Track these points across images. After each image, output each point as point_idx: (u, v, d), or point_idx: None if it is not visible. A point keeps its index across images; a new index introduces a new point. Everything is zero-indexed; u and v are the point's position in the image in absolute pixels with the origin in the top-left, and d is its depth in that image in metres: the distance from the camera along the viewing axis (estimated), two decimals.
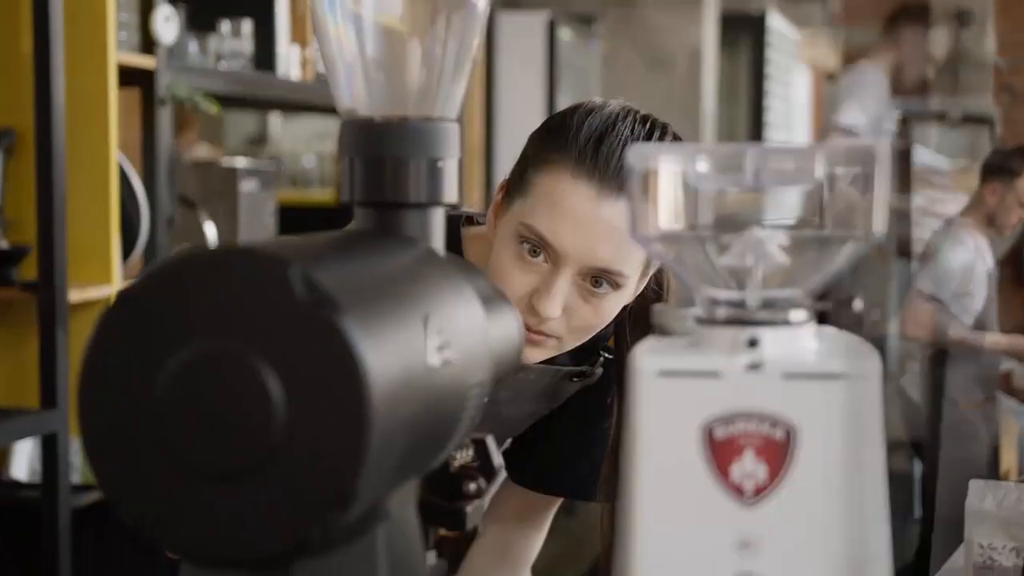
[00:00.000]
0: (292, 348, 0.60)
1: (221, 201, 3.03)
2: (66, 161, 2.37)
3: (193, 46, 2.90)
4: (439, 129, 0.80)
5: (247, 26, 3.02)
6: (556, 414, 1.49)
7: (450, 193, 0.81)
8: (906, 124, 4.56)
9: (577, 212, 1.23)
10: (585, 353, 1.44)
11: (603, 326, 1.31)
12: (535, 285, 1.27)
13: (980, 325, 4.40)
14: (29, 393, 2.43)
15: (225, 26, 3.00)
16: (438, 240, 0.81)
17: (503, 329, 0.84)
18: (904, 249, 4.93)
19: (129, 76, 2.61)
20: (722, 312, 0.71)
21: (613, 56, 5.43)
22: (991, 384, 4.46)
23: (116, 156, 2.48)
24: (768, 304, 0.71)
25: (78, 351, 2.43)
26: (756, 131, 7.50)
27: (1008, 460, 5.59)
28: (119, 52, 2.53)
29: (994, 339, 4.40)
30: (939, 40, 4.72)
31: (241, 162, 3.14)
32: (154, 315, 0.62)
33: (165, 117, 2.64)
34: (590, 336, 1.32)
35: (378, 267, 0.70)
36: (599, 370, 1.44)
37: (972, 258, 4.36)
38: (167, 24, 2.63)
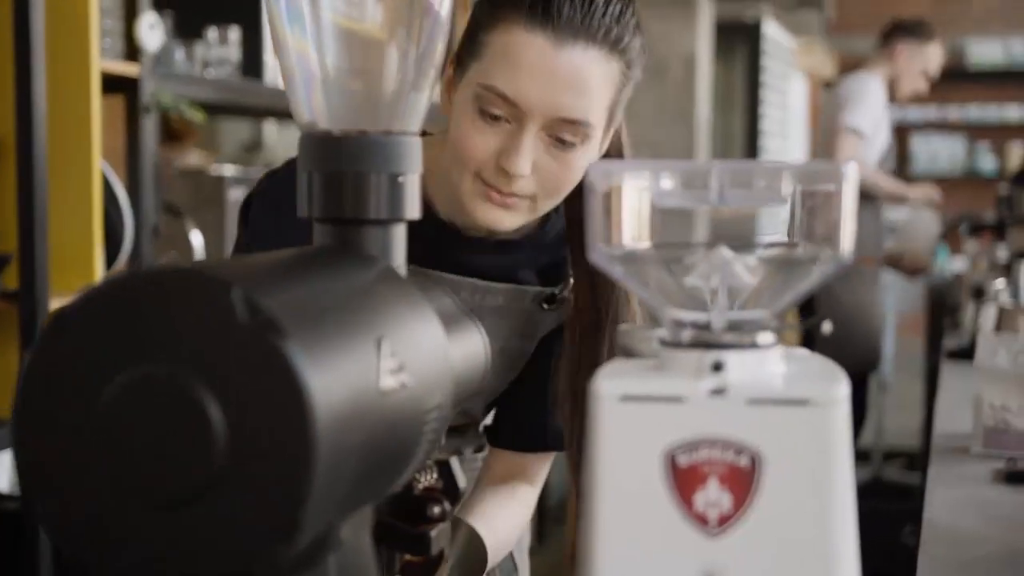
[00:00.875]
0: (234, 373, 0.58)
1: (209, 209, 3.00)
2: (48, 169, 2.35)
3: (180, 53, 2.87)
4: (400, 143, 0.78)
5: (234, 33, 3.00)
6: (526, 371, 1.45)
7: (412, 209, 0.79)
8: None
9: (535, 63, 1.22)
10: (554, 275, 1.42)
11: (574, 184, 1.28)
12: (500, 147, 1.25)
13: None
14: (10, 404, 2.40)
15: (212, 33, 2.98)
16: (399, 257, 0.79)
17: (466, 348, 0.82)
18: (892, 261, 4.92)
19: (113, 83, 2.59)
20: (687, 334, 0.68)
21: None
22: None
23: (99, 164, 2.46)
24: (735, 326, 0.68)
25: None
26: (752, 139, 7.48)
27: None
28: (103, 59, 2.51)
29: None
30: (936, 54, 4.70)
31: (230, 170, 3.11)
32: (93, 337, 0.60)
33: (149, 125, 2.62)
34: (561, 197, 1.29)
35: (330, 287, 0.67)
36: (568, 294, 1.41)
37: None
38: (152, 32, 2.60)
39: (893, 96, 4.61)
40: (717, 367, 0.66)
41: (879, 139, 4.51)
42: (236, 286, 0.58)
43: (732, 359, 0.66)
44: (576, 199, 1.32)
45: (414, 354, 0.69)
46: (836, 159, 4.41)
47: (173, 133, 3.84)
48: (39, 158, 2.32)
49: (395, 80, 0.79)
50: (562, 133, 1.24)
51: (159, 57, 2.71)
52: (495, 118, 1.24)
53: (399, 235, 0.79)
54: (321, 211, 0.77)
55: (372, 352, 0.65)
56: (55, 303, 2.35)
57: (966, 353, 2.89)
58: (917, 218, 4.61)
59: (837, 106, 4.52)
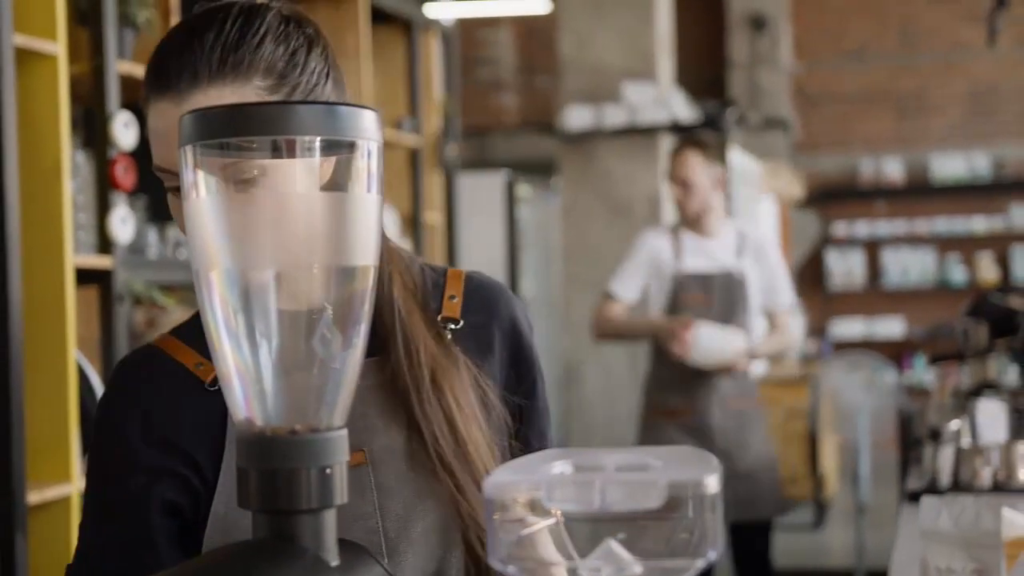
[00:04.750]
0: None
1: None
2: (24, 363, 2.43)
3: (153, 235, 2.99)
4: (327, 439, 0.87)
5: None
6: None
7: (341, 495, 0.88)
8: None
9: (163, 129, 1.20)
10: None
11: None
12: None
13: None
14: None
15: None
16: (330, 540, 0.87)
17: None
18: None
19: (87, 276, 2.69)
20: None
21: (573, 206, 5.56)
22: (693, 394, 4.22)
23: (74, 356, 2.54)
24: None
25: (38, 555, 2.48)
26: None
27: None
28: (77, 254, 2.61)
29: (647, 318, 4.22)
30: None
31: None
32: None
33: (123, 314, 2.72)
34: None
35: None
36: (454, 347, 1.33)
37: (650, 256, 4.23)
38: (123, 225, 2.71)
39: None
40: None
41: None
42: None
43: None
44: None
45: None
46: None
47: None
48: (15, 353, 2.41)
49: (320, 384, 0.89)
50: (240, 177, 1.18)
51: (132, 244, 2.82)
52: (177, 190, 1.21)
53: (329, 520, 0.87)
54: (257, 503, 0.86)
55: None
56: (32, 496, 2.41)
57: (926, 494, 2.95)
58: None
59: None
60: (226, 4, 1.25)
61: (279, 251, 0.88)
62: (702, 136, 4.32)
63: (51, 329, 2.52)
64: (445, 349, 1.31)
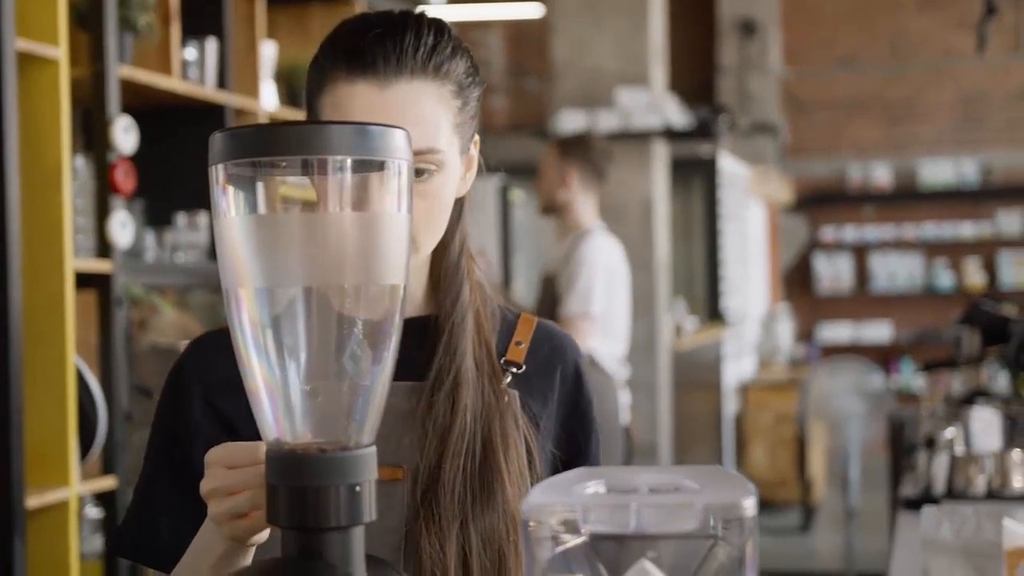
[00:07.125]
0: None
1: None
2: (24, 367, 2.43)
3: (150, 239, 2.98)
4: (356, 457, 0.87)
5: (203, 218, 3.11)
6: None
7: (370, 512, 0.88)
8: None
9: (364, 108, 1.22)
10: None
11: (448, 212, 1.28)
12: None
13: None
14: None
15: (181, 219, 3.09)
16: (358, 557, 0.87)
17: None
18: None
19: (86, 279, 2.68)
20: None
21: None
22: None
23: (73, 361, 2.54)
24: None
25: (36, 559, 2.47)
26: (712, 268, 7.65)
27: None
28: (76, 258, 2.60)
29: None
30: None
31: None
32: None
33: (121, 317, 2.71)
34: (440, 231, 1.28)
35: None
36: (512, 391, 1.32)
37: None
38: (123, 229, 2.71)
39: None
40: None
41: None
42: None
43: None
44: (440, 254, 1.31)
45: None
46: None
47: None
48: (15, 357, 2.40)
49: (352, 396, 0.89)
50: (415, 164, 1.21)
51: (130, 248, 2.82)
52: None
53: (357, 538, 0.88)
54: (286, 520, 0.86)
55: None
56: (31, 500, 2.41)
57: (922, 502, 2.96)
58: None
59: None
60: (408, 11, 1.27)
61: (308, 269, 0.88)
62: (569, 139, 4.43)
63: (51, 333, 2.51)
64: (496, 392, 1.29)
